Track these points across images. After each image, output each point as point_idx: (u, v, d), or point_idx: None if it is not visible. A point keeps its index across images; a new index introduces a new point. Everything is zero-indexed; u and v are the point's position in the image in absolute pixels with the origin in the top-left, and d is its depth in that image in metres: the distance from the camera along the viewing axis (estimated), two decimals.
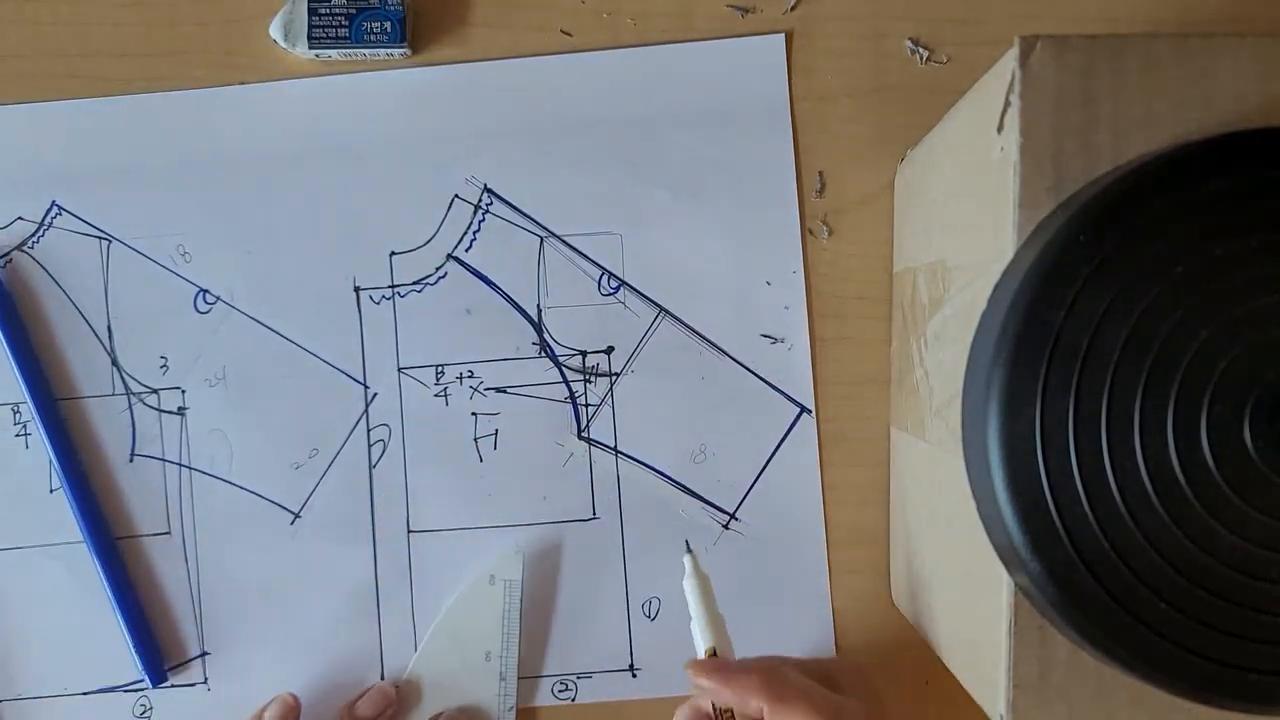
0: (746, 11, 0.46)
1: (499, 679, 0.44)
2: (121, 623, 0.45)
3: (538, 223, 0.46)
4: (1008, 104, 0.29)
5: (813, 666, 0.39)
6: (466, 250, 0.46)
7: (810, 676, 0.37)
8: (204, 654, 0.46)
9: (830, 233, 0.46)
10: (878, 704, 0.38)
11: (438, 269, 0.46)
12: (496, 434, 0.46)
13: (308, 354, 0.46)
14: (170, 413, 0.46)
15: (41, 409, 0.45)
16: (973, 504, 0.30)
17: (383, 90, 0.46)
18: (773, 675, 0.35)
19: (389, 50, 0.45)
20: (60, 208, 0.46)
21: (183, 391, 0.46)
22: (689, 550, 0.40)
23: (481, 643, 0.44)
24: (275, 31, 0.45)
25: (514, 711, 0.45)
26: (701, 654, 0.38)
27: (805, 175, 0.46)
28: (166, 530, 0.46)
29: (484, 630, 0.45)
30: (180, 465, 0.46)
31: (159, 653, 0.46)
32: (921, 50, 0.45)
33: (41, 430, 0.45)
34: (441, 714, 0.44)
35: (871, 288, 0.46)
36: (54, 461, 0.45)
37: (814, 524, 0.46)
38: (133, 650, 0.45)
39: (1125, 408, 0.26)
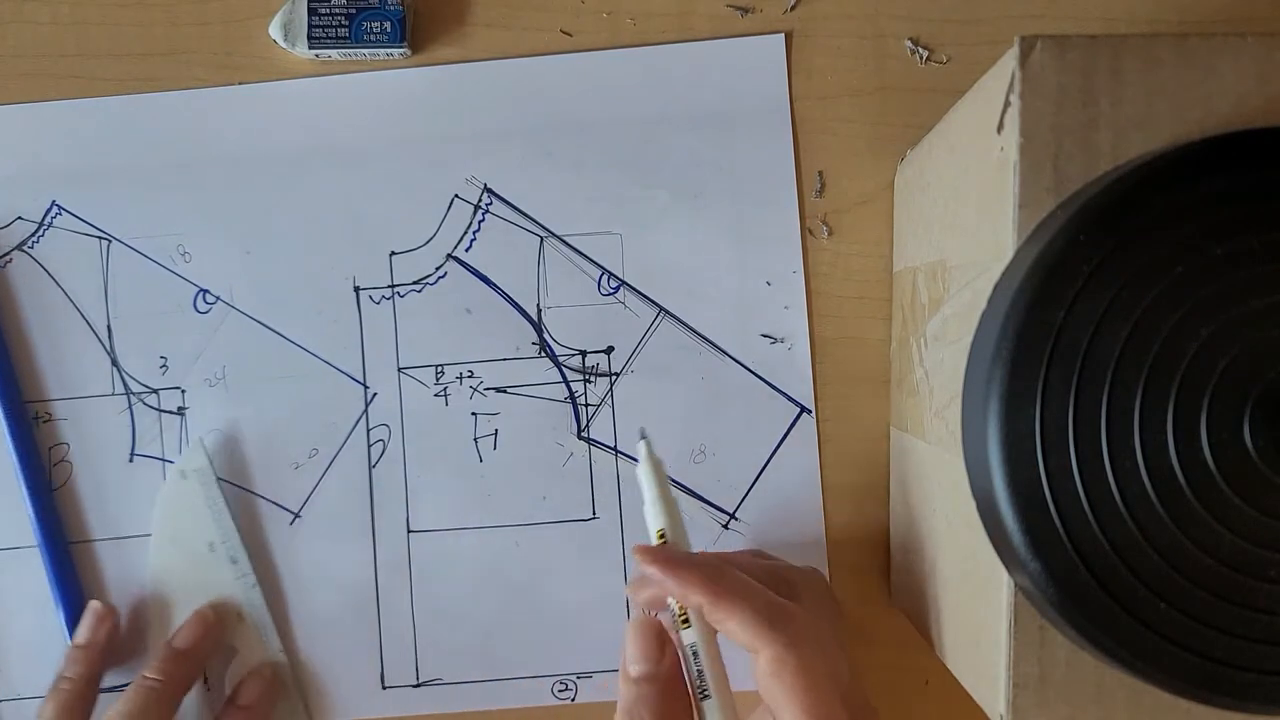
0: (746, 11, 0.46)
1: (230, 562, 0.45)
2: (64, 628, 0.45)
3: (538, 223, 0.46)
4: (1007, 104, 0.29)
5: (768, 568, 0.39)
6: (466, 250, 0.46)
7: (765, 578, 0.36)
8: None
9: (830, 233, 0.46)
10: (833, 611, 0.38)
11: (438, 269, 0.46)
12: (496, 434, 0.46)
13: (308, 354, 0.46)
14: (170, 413, 0.46)
15: (7, 410, 0.45)
16: (973, 504, 0.30)
17: (382, 90, 0.46)
18: (715, 571, 0.34)
19: (389, 50, 0.45)
20: (60, 208, 0.46)
21: (183, 391, 0.46)
22: (644, 437, 0.38)
23: (200, 536, 0.45)
24: (275, 31, 0.45)
25: (258, 589, 0.45)
26: (653, 538, 0.36)
27: (805, 175, 0.46)
28: None
29: (197, 524, 0.45)
30: None
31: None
32: (921, 50, 0.45)
33: (6, 430, 0.45)
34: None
35: (871, 288, 0.46)
36: (15, 462, 0.45)
37: (814, 524, 0.46)
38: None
39: (1125, 407, 0.26)
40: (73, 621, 0.44)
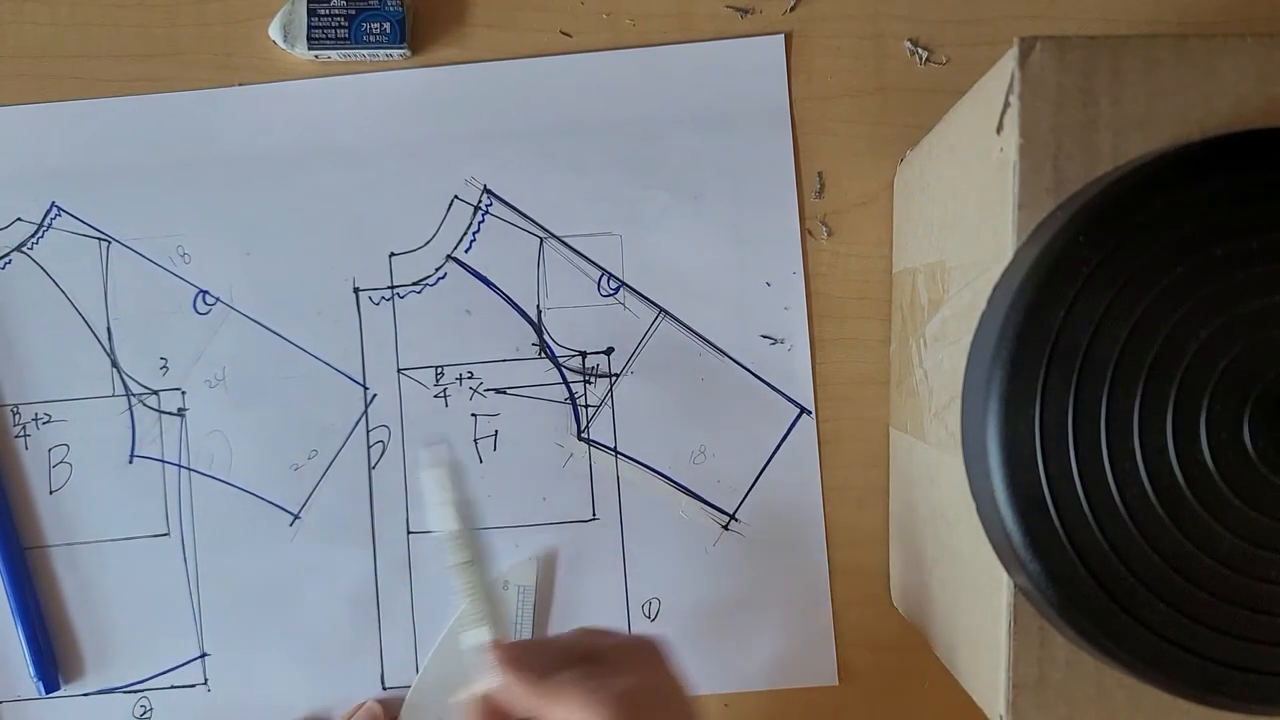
0: (746, 12, 0.45)
1: None
2: (21, 635, 0.45)
3: (537, 224, 0.46)
4: (1007, 104, 0.29)
5: (590, 650, 0.36)
6: (466, 251, 0.46)
7: (591, 660, 0.35)
8: (204, 655, 0.46)
9: (830, 233, 0.46)
10: (669, 683, 0.35)
11: (437, 270, 0.46)
12: (496, 435, 0.46)
13: (307, 355, 0.46)
14: (170, 414, 0.46)
15: None
16: (972, 505, 0.30)
17: (382, 91, 0.46)
18: (539, 672, 0.33)
19: (388, 51, 0.45)
20: (60, 209, 0.46)
21: (182, 393, 0.46)
22: (430, 445, 0.40)
23: None
24: (275, 32, 0.45)
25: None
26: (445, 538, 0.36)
27: (805, 176, 0.46)
28: (166, 531, 0.46)
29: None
30: (180, 466, 0.46)
31: (54, 663, 0.46)
32: (921, 51, 0.45)
33: None
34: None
35: (871, 288, 0.46)
36: None
37: (814, 524, 0.46)
38: (30, 662, 0.45)
39: (1125, 408, 0.26)
40: (28, 629, 0.45)
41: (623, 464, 0.46)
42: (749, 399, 0.46)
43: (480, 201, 0.46)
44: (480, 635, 0.35)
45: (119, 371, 0.46)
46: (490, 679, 0.34)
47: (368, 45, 0.44)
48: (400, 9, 0.44)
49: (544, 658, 0.34)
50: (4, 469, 0.46)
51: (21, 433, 0.46)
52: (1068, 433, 0.26)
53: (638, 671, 0.34)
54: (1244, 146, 0.26)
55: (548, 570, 0.46)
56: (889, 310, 0.46)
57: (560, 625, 0.46)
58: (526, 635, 0.44)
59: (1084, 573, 0.26)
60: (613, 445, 0.46)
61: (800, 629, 0.45)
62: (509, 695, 0.33)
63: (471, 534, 0.36)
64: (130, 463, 0.46)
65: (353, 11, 0.44)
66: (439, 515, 0.36)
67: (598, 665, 0.34)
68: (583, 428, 0.46)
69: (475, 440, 0.46)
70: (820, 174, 0.46)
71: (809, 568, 0.46)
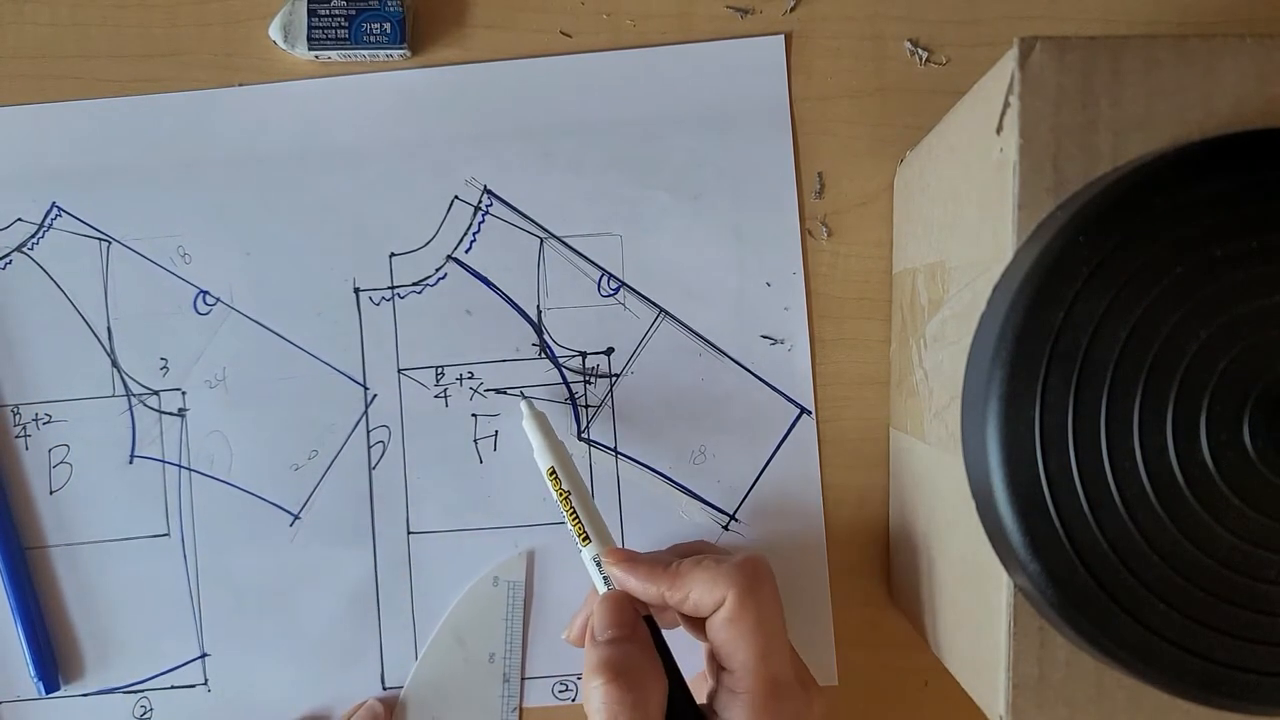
0: (746, 13, 0.46)
1: (503, 680, 0.45)
2: (21, 635, 0.45)
3: (537, 224, 0.46)
4: (1007, 105, 0.29)
5: (711, 548, 0.43)
6: (466, 251, 0.46)
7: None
8: (204, 655, 0.46)
9: (830, 234, 0.46)
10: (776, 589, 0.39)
11: (437, 270, 0.46)
12: (497, 435, 0.46)
13: (307, 355, 0.46)
14: (170, 414, 0.46)
15: None
16: (972, 505, 0.30)
17: (382, 92, 0.46)
18: (664, 562, 0.38)
19: (388, 51, 0.45)
20: (60, 209, 0.46)
21: (183, 393, 0.46)
22: (524, 397, 0.44)
23: (485, 645, 0.45)
24: (275, 32, 0.45)
25: (518, 713, 0.45)
26: (545, 476, 0.41)
27: (805, 176, 0.46)
28: (166, 532, 0.46)
29: (488, 632, 0.45)
30: (180, 467, 0.46)
31: (54, 663, 0.46)
32: (921, 51, 0.45)
33: None
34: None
35: (871, 289, 0.46)
36: None
37: (814, 524, 0.46)
38: (30, 663, 0.45)
39: (1125, 408, 0.26)
40: (29, 630, 0.45)
41: (623, 464, 0.46)
42: (749, 399, 0.46)
43: (480, 202, 0.46)
44: (591, 550, 0.40)
45: (119, 371, 0.46)
46: (618, 577, 0.38)
47: (368, 45, 0.44)
48: (400, 9, 0.44)
49: (660, 556, 0.40)
50: (4, 469, 0.46)
51: (21, 433, 0.46)
52: (1068, 433, 0.26)
53: (744, 552, 0.38)
54: (1243, 147, 0.27)
55: (544, 569, 0.46)
56: (889, 310, 0.46)
57: (559, 625, 0.46)
58: (518, 631, 0.45)
59: (1084, 573, 0.26)
60: (613, 445, 0.46)
61: (800, 629, 0.45)
62: (636, 588, 0.38)
63: (566, 468, 0.41)
64: (130, 463, 0.46)
65: (353, 12, 0.44)
66: (539, 457, 0.42)
67: (709, 555, 0.39)
68: (583, 428, 0.46)
69: (475, 440, 0.46)
70: (820, 174, 0.46)
71: (809, 568, 0.46)
